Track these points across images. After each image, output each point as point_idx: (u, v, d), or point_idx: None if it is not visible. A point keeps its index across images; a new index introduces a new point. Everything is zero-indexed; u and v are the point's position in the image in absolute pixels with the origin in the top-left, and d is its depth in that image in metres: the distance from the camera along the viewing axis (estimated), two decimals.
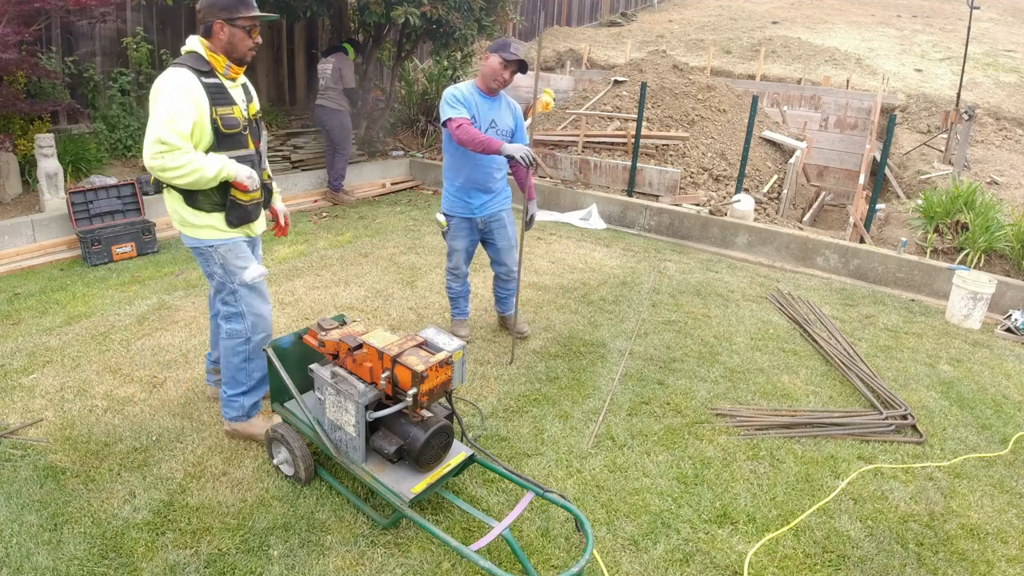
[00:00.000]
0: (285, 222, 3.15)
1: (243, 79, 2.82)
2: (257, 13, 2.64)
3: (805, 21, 17.62)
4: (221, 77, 2.64)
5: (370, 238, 6.13)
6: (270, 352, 2.69)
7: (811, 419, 3.43)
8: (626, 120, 8.56)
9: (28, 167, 5.78)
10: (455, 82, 8.84)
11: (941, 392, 3.84)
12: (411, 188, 8.34)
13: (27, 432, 2.99)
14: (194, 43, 2.63)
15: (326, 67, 7.02)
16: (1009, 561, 2.56)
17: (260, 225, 2.96)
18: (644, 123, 8.11)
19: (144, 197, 5.70)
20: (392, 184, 8.22)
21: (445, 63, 8.51)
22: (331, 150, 7.22)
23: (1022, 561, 2.57)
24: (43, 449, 2.88)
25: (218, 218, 2.72)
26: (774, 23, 17.42)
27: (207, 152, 2.60)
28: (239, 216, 2.75)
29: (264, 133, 3.03)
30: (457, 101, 3.55)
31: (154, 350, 3.80)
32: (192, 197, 2.66)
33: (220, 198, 2.70)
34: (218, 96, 2.60)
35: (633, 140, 7.50)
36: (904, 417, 3.48)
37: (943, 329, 4.79)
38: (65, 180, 5.59)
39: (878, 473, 3.05)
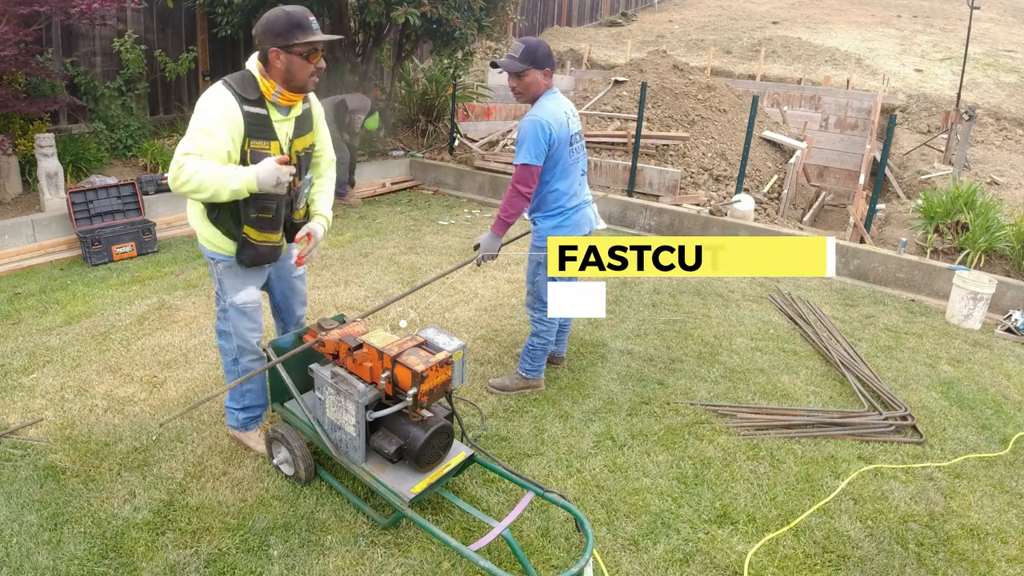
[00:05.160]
0: (301, 255, 2.68)
1: (302, 108, 2.57)
2: (316, 37, 2.36)
3: (805, 21, 17.62)
4: (269, 107, 2.45)
5: (370, 238, 6.13)
6: (270, 352, 2.69)
7: (811, 419, 3.43)
8: (626, 120, 8.56)
9: (28, 167, 5.78)
10: (455, 81, 8.83)
11: (941, 392, 3.84)
12: (411, 188, 8.34)
13: (27, 432, 2.99)
14: (252, 63, 2.44)
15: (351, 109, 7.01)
16: (1009, 561, 2.56)
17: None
18: (644, 123, 8.11)
19: (144, 197, 5.69)
20: (392, 184, 8.22)
21: (445, 63, 8.50)
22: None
23: (1022, 561, 2.57)
24: (43, 449, 2.87)
25: (229, 244, 2.57)
26: (774, 23, 17.42)
27: None
28: (251, 257, 2.57)
29: (309, 176, 2.69)
30: None
31: (154, 350, 3.80)
32: (214, 214, 2.52)
33: (236, 229, 2.53)
34: (257, 129, 2.41)
35: (633, 140, 7.50)
36: (904, 417, 3.48)
37: (943, 329, 4.79)
38: (65, 180, 5.59)
39: (878, 473, 3.05)
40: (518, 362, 3.62)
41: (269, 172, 2.36)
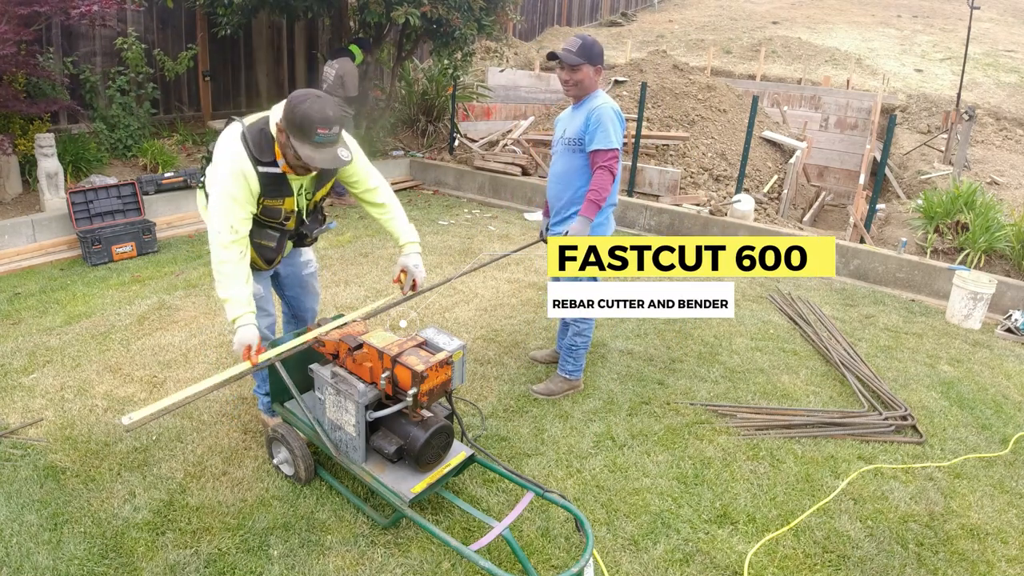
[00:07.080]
0: (413, 285, 2.81)
1: None
2: (304, 151, 2.32)
3: (805, 21, 17.63)
4: (282, 167, 2.49)
5: (370, 238, 6.13)
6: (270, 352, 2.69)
7: (811, 419, 3.43)
8: (626, 120, 8.56)
9: (28, 167, 5.78)
10: (455, 81, 8.83)
11: (941, 392, 3.84)
12: (411, 188, 8.34)
13: (27, 432, 2.99)
14: (275, 115, 2.45)
15: (330, 72, 6.95)
16: (1009, 561, 2.56)
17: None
18: (644, 123, 8.11)
19: (144, 197, 5.70)
20: (392, 184, 8.21)
21: (445, 63, 8.51)
22: None
23: (1022, 561, 2.57)
24: (43, 449, 2.87)
25: None
26: (774, 23, 17.43)
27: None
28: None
29: (333, 223, 2.89)
30: None
31: (154, 350, 3.80)
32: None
33: None
34: (271, 189, 2.50)
35: (633, 140, 7.50)
36: (904, 417, 3.48)
37: (943, 329, 4.79)
38: (65, 180, 5.59)
39: (878, 473, 3.05)
40: (558, 364, 3.61)
41: (238, 340, 2.41)
